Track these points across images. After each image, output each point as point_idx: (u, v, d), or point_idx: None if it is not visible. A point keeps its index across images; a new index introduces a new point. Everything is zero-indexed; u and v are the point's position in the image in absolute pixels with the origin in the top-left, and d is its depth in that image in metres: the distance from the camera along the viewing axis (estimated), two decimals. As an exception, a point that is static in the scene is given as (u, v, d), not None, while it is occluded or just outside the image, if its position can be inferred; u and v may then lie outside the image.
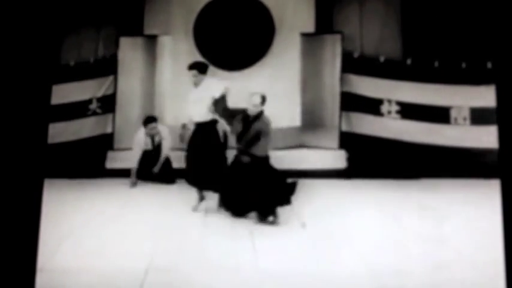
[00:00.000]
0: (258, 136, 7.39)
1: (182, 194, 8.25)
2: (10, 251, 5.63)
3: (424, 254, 6.32)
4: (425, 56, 9.27)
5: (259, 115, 7.50)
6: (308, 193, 7.92)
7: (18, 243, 5.68)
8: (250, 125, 7.46)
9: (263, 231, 7.05)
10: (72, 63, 9.49)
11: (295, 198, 7.51)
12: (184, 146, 7.91)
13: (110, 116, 9.53)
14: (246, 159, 7.38)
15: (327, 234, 6.91)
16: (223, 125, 7.77)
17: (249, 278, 5.86)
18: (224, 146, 7.93)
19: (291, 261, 6.20)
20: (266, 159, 7.45)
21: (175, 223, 7.35)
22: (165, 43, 9.63)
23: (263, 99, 7.57)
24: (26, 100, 5.90)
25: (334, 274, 5.90)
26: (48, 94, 6.11)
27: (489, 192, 7.96)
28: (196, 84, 7.86)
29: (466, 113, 9.10)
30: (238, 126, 7.51)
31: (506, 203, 5.72)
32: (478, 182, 8.31)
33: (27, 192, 5.77)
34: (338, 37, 9.43)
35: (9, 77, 5.91)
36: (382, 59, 9.37)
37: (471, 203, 7.76)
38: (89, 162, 9.24)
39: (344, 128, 9.26)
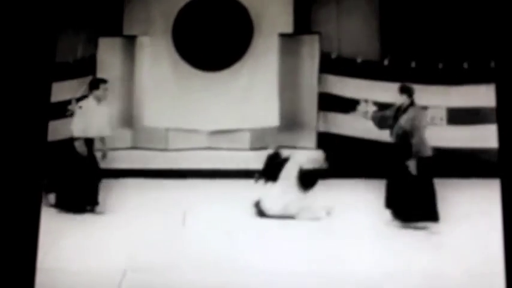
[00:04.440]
0: (404, 132, 7.27)
1: (163, 194, 8.31)
2: (10, 250, 5.64)
3: (408, 254, 6.37)
4: (402, 57, 9.34)
5: (407, 108, 7.22)
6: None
7: (18, 243, 5.68)
8: (397, 118, 7.23)
9: (243, 229, 7.08)
10: (51, 63, 9.49)
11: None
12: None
13: (89, 117, 9.52)
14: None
15: (307, 233, 6.96)
16: None
17: (229, 277, 5.89)
18: None
19: (273, 259, 6.23)
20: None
21: (156, 223, 7.38)
22: (144, 43, 9.64)
23: (404, 90, 7.28)
24: (25, 99, 5.91)
25: (321, 273, 5.94)
26: (48, 92, 6.12)
27: (467, 191, 8.10)
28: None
29: (443, 113, 9.17)
30: (389, 120, 7.29)
31: (505, 203, 5.72)
32: (456, 181, 8.39)
33: (27, 192, 5.77)
34: (316, 38, 9.49)
35: (6, 76, 5.91)
36: (359, 59, 9.42)
37: (449, 202, 7.83)
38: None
39: (321, 128, 9.30)
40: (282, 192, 7.59)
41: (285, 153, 8.07)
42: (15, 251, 5.71)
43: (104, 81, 8.04)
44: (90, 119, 7.88)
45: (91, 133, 7.88)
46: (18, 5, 6.13)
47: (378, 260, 6.24)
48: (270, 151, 8.27)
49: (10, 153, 5.86)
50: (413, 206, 7.07)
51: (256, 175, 7.96)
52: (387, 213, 7.33)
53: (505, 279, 5.62)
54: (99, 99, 7.94)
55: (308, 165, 7.64)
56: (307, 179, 7.55)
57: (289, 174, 7.61)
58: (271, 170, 7.85)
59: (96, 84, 7.94)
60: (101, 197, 8.11)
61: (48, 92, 6.19)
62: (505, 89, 5.85)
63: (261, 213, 7.56)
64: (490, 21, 8.91)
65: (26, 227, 5.76)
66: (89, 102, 7.90)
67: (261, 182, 7.91)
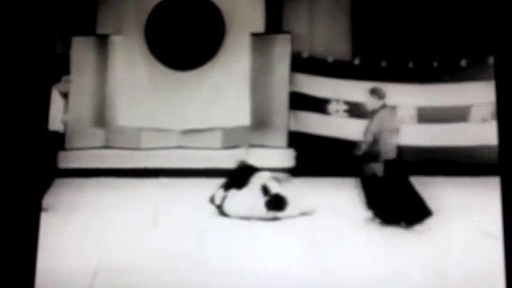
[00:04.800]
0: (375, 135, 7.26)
1: (135, 193, 8.32)
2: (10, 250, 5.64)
3: (373, 251, 6.43)
4: (373, 56, 9.41)
5: (378, 111, 7.37)
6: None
7: (18, 243, 5.68)
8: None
9: (213, 230, 7.12)
10: (23, 63, 9.46)
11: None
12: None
13: (61, 116, 9.53)
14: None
15: (285, 233, 7.02)
16: None
17: (201, 276, 5.92)
18: None
19: (241, 261, 6.27)
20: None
21: (128, 222, 7.40)
22: (117, 43, 9.64)
23: (373, 92, 7.43)
24: (25, 99, 5.89)
25: (281, 273, 5.99)
26: (48, 92, 6.11)
27: (434, 190, 8.19)
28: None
29: (413, 112, 9.25)
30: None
31: (505, 202, 5.74)
32: (423, 179, 8.49)
33: (27, 191, 5.76)
34: (287, 37, 9.52)
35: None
36: (330, 58, 9.49)
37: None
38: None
39: (292, 127, 9.36)
40: (246, 194, 7.66)
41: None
42: (15, 251, 5.72)
43: (65, 73, 7.94)
44: (56, 112, 7.80)
45: (56, 126, 7.81)
46: (17, 4, 6.12)
47: (368, 260, 6.30)
48: (240, 151, 8.31)
49: (9, 153, 5.86)
50: (398, 208, 7.10)
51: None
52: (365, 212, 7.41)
53: (505, 281, 5.66)
54: (62, 93, 7.86)
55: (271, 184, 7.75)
56: (275, 203, 7.65)
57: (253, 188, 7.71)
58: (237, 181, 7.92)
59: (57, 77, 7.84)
60: (74, 197, 8.14)
61: (48, 92, 6.19)
62: (504, 86, 5.84)
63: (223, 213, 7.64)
64: (460, 19, 9.09)
65: (25, 227, 5.77)
66: (53, 96, 7.81)
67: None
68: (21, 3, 6.14)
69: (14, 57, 6.10)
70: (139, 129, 9.38)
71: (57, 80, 7.91)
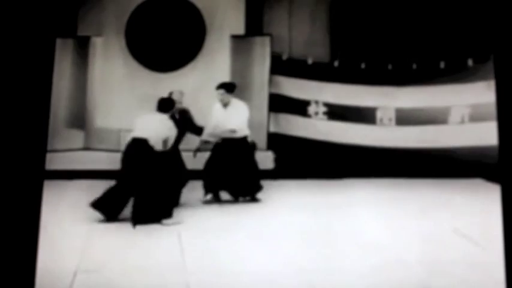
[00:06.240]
0: None
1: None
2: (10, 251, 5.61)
3: (354, 254, 6.45)
4: (352, 58, 9.46)
5: None
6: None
7: (17, 243, 5.65)
8: None
9: (191, 232, 7.12)
10: (3, 64, 9.43)
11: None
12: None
13: (41, 117, 9.49)
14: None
15: (255, 235, 7.02)
16: None
17: (176, 279, 5.92)
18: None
19: (219, 262, 6.27)
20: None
21: (107, 223, 7.39)
22: (97, 44, 9.63)
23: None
24: (25, 99, 5.88)
25: (262, 273, 6.00)
26: (48, 93, 6.08)
27: (413, 191, 8.24)
28: (224, 102, 8.22)
29: (392, 114, 9.30)
30: None
31: (506, 203, 5.73)
32: (403, 181, 8.54)
33: (27, 192, 5.73)
34: (267, 39, 9.59)
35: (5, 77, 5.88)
36: (310, 60, 9.54)
37: (396, 201, 7.96)
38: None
39: (272, 129, 9.41)
40: None
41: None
42: (15, 251, 5.70)
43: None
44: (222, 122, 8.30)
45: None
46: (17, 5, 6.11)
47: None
48: None
49: (10, 153, 5.84)
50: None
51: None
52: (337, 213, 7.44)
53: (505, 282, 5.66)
54: (225, 104, 8.30)
55: None
56: None
57: None
58: None
59: (232, 87, 8.33)
60: (52, 199, 8.09)
61: (48, 93, 6.17)
62: (504, 86, 5.83)
63: None
64: (439, 22, 9.15)
65: (26, 227, 5.75)
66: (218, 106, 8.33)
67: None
68: (20, 3, 6.14)
69: (14, 57, 6.09)
70: (119, 131, 9.36)
71: (231, 90, 8.30)
